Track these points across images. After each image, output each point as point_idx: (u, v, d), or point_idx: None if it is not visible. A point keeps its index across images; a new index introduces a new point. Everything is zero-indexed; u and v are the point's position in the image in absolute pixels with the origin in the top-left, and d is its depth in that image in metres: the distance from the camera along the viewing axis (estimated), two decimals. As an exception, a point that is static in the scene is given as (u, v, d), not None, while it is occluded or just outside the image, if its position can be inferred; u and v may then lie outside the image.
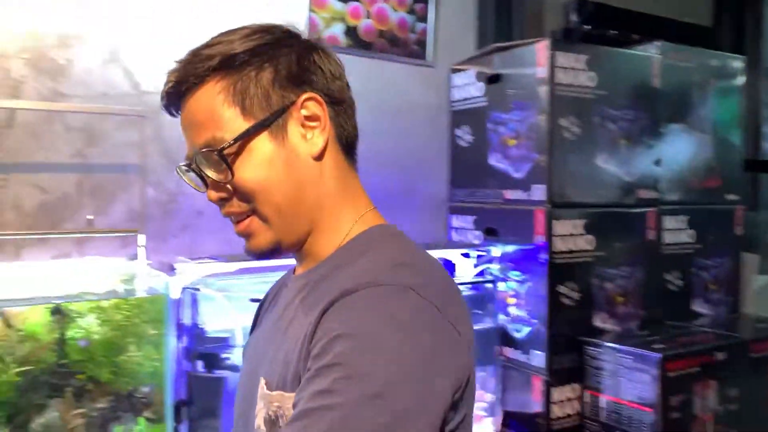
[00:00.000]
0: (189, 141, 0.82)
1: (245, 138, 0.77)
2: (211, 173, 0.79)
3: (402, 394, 0.62)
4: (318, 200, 0.81)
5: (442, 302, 0.71)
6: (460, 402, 0.72)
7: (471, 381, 0.75)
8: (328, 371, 0.63)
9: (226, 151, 0.77)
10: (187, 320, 2.03)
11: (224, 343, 2.01)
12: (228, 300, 2.05)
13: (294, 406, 0.66)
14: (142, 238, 1.91)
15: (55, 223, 2.03)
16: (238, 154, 0.77)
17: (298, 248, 0.85)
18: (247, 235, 0.82)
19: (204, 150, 0.78)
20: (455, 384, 0.69)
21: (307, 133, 0.79)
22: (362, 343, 0.64)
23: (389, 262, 0.75)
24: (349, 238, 0.82)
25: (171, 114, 0.85)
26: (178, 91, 0.79)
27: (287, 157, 0.78)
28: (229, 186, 0.80)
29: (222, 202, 0.82)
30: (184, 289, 2.00)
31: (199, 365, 1.98)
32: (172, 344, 1.92)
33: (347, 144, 0.85)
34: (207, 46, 0.80)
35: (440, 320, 0.69)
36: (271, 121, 0.77)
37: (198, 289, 1.98)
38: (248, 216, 0.81)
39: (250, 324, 1.10)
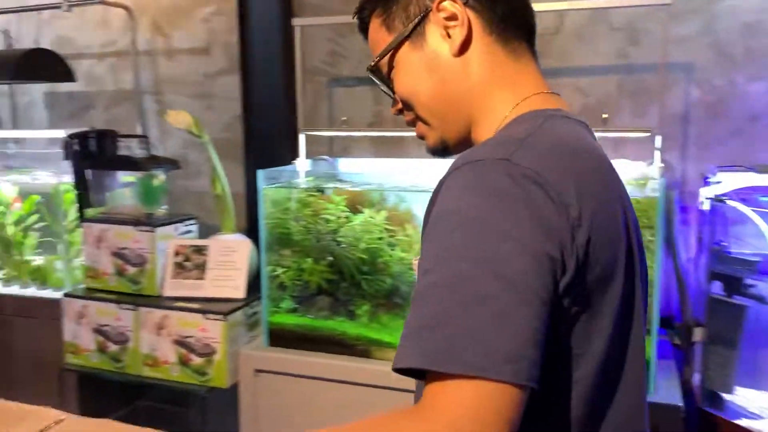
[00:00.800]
0: None
1: (391, 52, 0.85)
2: (383, 89, 0.90)
3: (494, 260, 0.63)
4: (468, 93, 0.83)
5: (545, 173, 0.68)
6: (578, 285, 0.68)
7: (596, 272, 0.69)
8: (426, 251, 0.68)
9: (382, 68, 0.87)
10: (708, 235, 1.82)
11: (750, 267, 1.71)
12: (764, 219, 1.72)
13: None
14: (658, 140, 1.78)
15: (594, 125, 2.09)
16: (392, 68, 0.86)
17: (467, 143, 0.86)
18: (422, 138, 0.90)
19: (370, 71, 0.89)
20: (553, 251, 0.66)
21: (449, 32, 0.82)
22: (454, 220, 0.67)
23: (502, 140, 0.73)
24: (504, 124, 0.80)
25: None
26: (362, 29, 0.92)
27: (428, 61, 0.83)
28: (396, 98, 0.89)
29: (400, 114, 0.91)
30: (709, 200, 1.79)
31: (717, 287, 1.76)
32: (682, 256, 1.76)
33: (509, 31, 0.84)
34: None
35: (530, 188, 0.66)
36: (411, 31, 0.83)
37: (723, 201, 1.73)
38: (416, 121, 0.88)
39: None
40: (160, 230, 2.00)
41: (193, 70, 2.57)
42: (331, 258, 1.86)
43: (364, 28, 0.92)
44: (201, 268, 1.99)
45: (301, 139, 2.09)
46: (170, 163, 2.13)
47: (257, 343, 1.94)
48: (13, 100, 2.93)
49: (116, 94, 2.72)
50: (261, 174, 1.84)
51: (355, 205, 1.87)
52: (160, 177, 2.14)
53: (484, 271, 0.62)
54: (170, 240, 2.02)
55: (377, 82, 0.91)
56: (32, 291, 2.24)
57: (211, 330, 1.87)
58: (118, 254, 2.02)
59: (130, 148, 2.29)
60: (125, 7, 2.53)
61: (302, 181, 2.01)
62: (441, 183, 0.72)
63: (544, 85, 0.85)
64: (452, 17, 0.81)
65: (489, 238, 0.64)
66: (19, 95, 2.92)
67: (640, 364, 0.80)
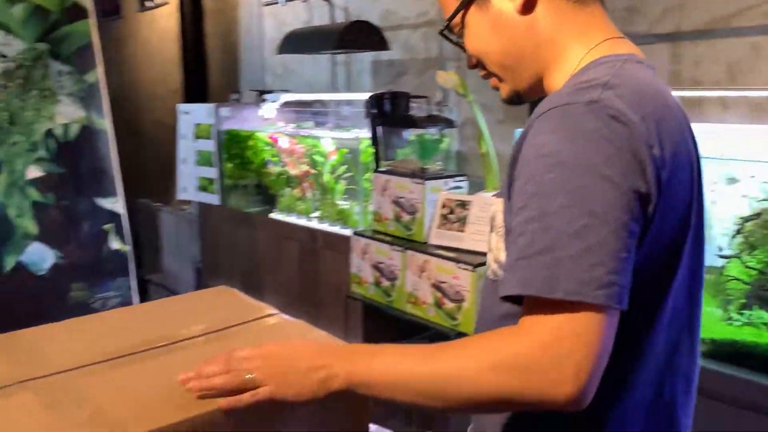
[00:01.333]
0: None
1: (457, 15, 0.89)
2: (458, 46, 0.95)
3: (585, 196, 0.70)
4: (536, 48, 0.86)
5: (630, 114, 0.73)
6: (653, 222, 0.74)
7: (674, 215, 0.76)
8: (520, 190, 0.75)
9: (454, 29, 0.92)
10: None
11: None
12: None
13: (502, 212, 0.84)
14: None
15: None
16: (463, 28, 0.90)
17: (540, 91, 0.89)
18: (496, 90, 0.94)
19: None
20: (642, 187, 0.72)
21: None
22: (546, 161, 0.72)
23: (585, 84, 0.76)
24: (578, 70, 0.82)
25: None
26: None
27: (494, 22, 0.86)
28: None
29: (475, 68, 0.94)
30: None
31: None
32: None
33: None
34: None
35: (617, 128, 0.72)
36: None
37: None
38: (490, 75, 0.93)
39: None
40: (430, 183, 2.19)
41: (490, 35, 2.68)
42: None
43: None
44: (463, 221, 2.12)
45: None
46: (445, 122, 2.29)
47: (505, 298, 2.00)
48: (348, 68, 3.43)
49: (425, 62, 2.98)
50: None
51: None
52: (445, 136, 2.32)
53: (577, 207, 0.69)
54: (439, 193, 2.19)
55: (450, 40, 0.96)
56: (337, 228, 2.65)
57: (462, 278, 2.00)
58: (396, 202, 2.27)
59: (423, 109, 2.52)
60: (434, -21, 2.75)
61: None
62: (529, 126, 0.78)
63: (613, 30, 0.86)
64: None
65: (580, 177, 0.70)
66: (354, 64, 3.40)
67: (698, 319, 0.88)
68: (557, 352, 0.67)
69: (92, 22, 1.64)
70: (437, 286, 2.08)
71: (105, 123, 1.63)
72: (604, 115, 0.72)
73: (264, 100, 3.25)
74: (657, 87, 0.80)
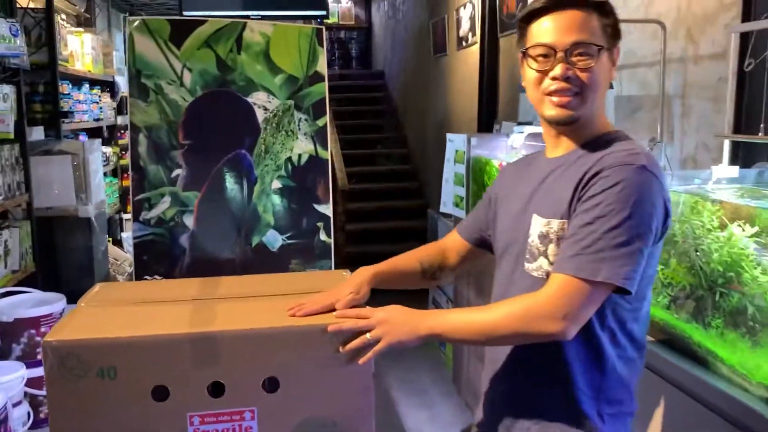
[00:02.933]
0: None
1: (601, 49, 1.27)
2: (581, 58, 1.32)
3: (636, 222, 1.16)
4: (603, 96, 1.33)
5: (661, 176, 1.22)
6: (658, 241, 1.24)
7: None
8: (589, 208, 1.19)
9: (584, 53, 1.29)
10: None
11: None
12: None
13: (564, 229, 1.24)
14: None
15: None
16: (595, 59, 1.26)
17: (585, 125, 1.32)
18: (562, 107, 1.31)
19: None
20: (659, 223, 1.21)
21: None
22: (615, 199, 1.17)
23: (630, 151, 1.22)
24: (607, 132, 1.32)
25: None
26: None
27: (610, 67, 1.31)
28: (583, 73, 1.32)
29: (566, 83, 1.30)
30: None
31: None
32: None
33: None
34: None
35: (659, 188, 1.20)
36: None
37: None
38: (573, 95, 1.29)
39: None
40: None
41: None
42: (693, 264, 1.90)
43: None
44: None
45: (726, 144, 2.08)
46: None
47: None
48: (595, 103, 3.64)
49: (656, 99, 3.09)
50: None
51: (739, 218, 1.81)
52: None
53: (627, 229, 1.16)
54: None
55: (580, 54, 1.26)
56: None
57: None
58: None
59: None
60: (658, 22, 2.88)
61: (707, 186, 2.04)
62: (597, 170, 1.21)
63: None
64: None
65: (635, 209, 1.16)
66: (600, 99, 3.61)
67: None
68: (559, 304, 1.13)
69: (325, 84, 2.38)
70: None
71: (326, 153, 2.36)
72: (653, 177, 1.18)
73: (513, 131, 3.71)
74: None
